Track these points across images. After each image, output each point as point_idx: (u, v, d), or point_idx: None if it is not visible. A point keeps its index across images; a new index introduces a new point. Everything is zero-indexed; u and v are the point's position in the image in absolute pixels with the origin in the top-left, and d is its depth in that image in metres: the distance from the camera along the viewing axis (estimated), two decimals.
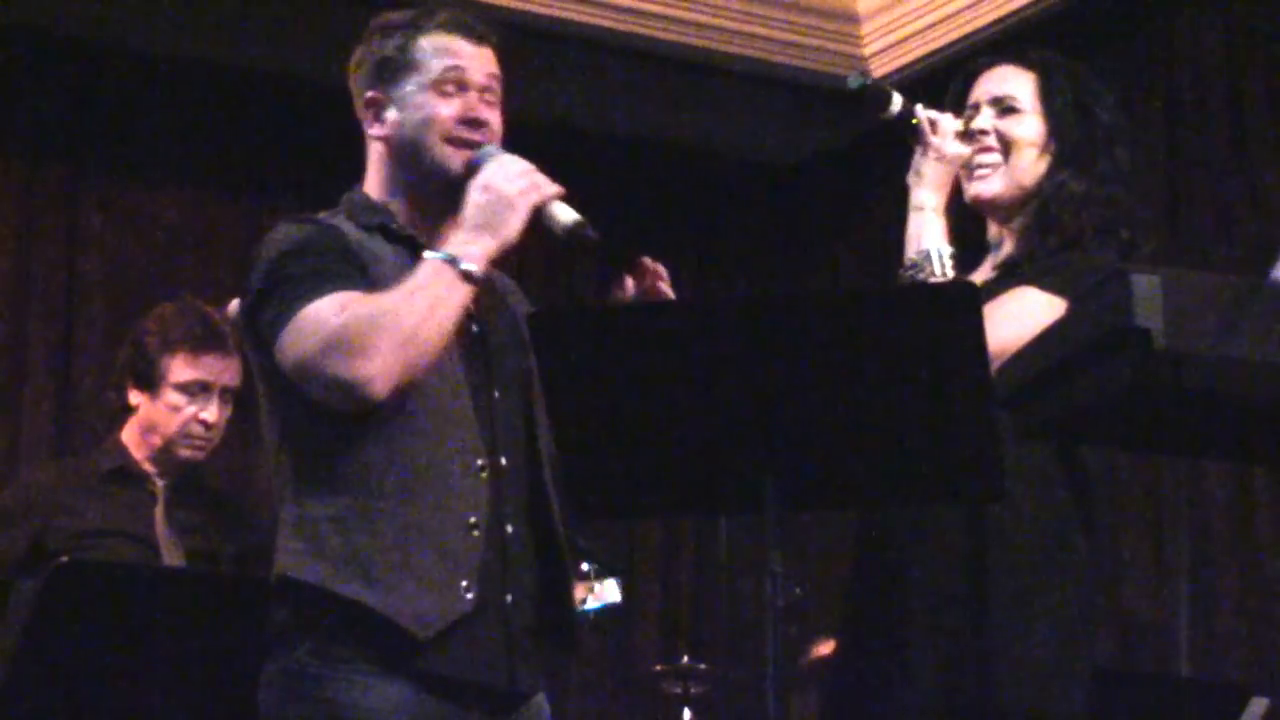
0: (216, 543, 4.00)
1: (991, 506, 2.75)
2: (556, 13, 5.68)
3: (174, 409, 4.00)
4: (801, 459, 2.45)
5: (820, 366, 2.40)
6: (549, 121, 5.69)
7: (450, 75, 2.83)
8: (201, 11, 5.46)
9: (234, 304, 3.76)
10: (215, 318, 4.05)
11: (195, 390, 3.99)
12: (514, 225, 2.72)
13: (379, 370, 2.64)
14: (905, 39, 5.89)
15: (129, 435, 4.06)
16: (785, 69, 6.02)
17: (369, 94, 2.87)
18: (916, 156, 3.00)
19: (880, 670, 2.85)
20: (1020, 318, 2.70)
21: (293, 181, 5.86)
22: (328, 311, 2.67)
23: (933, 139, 2.98)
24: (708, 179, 6.38)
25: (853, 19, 6.10)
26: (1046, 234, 2.91)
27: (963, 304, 2.38)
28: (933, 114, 3.01)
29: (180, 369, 3.98)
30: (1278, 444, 2.26)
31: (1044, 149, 2.96)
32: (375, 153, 2.89)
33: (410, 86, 2.84)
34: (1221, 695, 4.02)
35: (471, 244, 2.71)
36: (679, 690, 5.09)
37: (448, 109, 2.81)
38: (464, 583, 2.68)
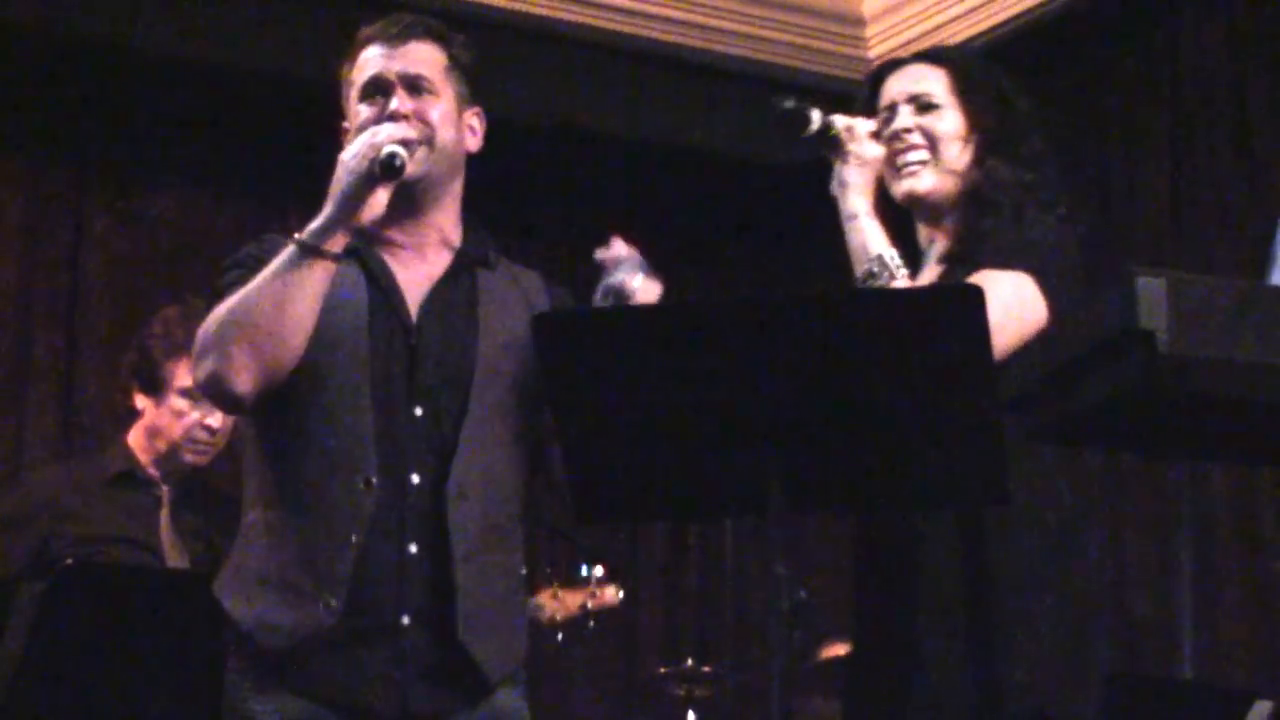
0: (220, 547, 3.99)
1: (993, 508, 2.75)
2: (559, 15, 5.68)
3: (178, 414, 4.00)
4: (805, 461, 2.45)
5: (824, 368, 2.40)
6: (551, 123, 5.69)
7: (369, 86, 2.84)
8: (207, 14, 5.46)
9: None
10: None
11: (198, 396, 3.99)
12: (349, 188, 2.66)
13: (235, 366, 2.65)
14: (910, 42, 5.89)
15: (135, 439, 4.06)
16: (790, 72, 6.03)
17: (344, 124, 2.89)
18: (837, 167, 3.00)
19: (895, 673, 2.85)
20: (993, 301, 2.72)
21: (298, 184, 5.83)
22: (208, 319, 2.71)
23: (852, 145, 2.98)
24: (712, 181, 6.38)
25: (858, 22, 6.10)
26: (982, 218, 2.91)
27: (967, 305, 2.38)
28: (847, 120, 3.01)
29: (185, 374, 3.98)
30: None
31: (967, 141, 2.97)
32: None
33: (353, 106, 2.86)
34: (1225, 699, 4.01)
35: (316, 219, 2.68)
36: (683, 693, 5.09)
37: (369, 113, 2.81)
38: (330, 600, 2.66)
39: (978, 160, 2.96)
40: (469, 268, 2.86)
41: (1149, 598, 5.24)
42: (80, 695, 3.36)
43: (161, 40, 5.53)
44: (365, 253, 2.80)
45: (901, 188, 2.99)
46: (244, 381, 2.66)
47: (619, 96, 6.02)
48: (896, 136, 2.98)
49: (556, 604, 4.72)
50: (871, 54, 6.04)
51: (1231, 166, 5.23)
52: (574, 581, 4.78)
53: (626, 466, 2.52)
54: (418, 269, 2.84)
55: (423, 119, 2.80)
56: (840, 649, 4.62)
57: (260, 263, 2.73)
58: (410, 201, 2.79)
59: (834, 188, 3.01)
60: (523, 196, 5.66)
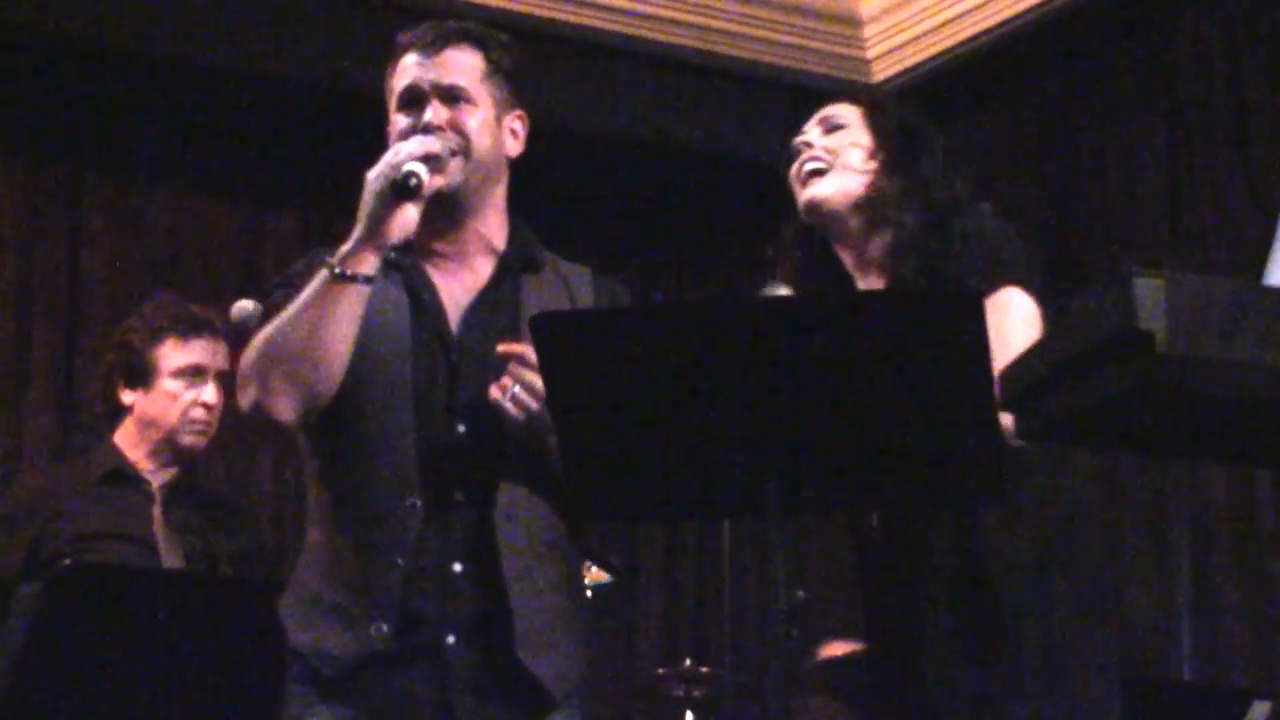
0: (215, 543, 3.99)
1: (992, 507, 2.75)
2: (554, 15, 5.68)
3: (172, 397, 3.99)
4: (804, 461, 2.45)
5: (822, 369, 2.39)
6: (550, 124, 5.68)
7: (404, 96, 2.83)
8: (203, 15, 5.46)
9: (237, 305, 3.78)
10: (197, 307, 4.06)
11: (191, 375, 3.98)
12: (376, 208, 2.65)
13: (275, 396, 2.67)
14: (908, 43, 5.90)
15: (123, 437, 4.04)
16: (788, 72, 6.03)
17: (388, 129, 2.87)
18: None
19: (901, 672, 2.85)
20: (1021, 324, 2.72)
21: (294, 185, 5.87)
22: (250, 349, 2.73)
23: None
24: (710, 182, 6.38)
25: (856, 23, 6.10)
26: (868, 232, 2.92)
27: (965, 307, 2.38)
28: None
29: (172, 355, 3.98)
30: None
31: (871, 154, 2.98)
32: None
33: (393, 113, 2.85)
34: (1224, 699, 4.02)
35: (348, 242, 2.69)
36: (682, 693, 5.09)
37: (404, 123, 2.81)
38: (381, 625, 2.67)
39: (880, 171, 2.95)
40: (513, 274, 2.85)
41: (1147, 598, 5.24)
42: (79, 697, 3.36)
43: (159, 42, 5.53)
44: (409, 266, 2.79)
45: (803, 197, 2.99)
46: (285, 410, 2.67)
47: (615, 97, 6.02)
48: (798, 150, 2.99)
49: None
50: (869, 54, 6.04)
51: (1229, 166, 5.23)
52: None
53: (625, 466, 2.52)
54: (462, 279, 2.83)
55: (458, 129, 2.79)
56: (839, 649, 4.62)
57: (305, 281, 2.73)
58: (450, 211, 2.79)
59: None
60: (518, 198, 5.66)
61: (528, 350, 2.63)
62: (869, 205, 2.95)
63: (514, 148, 2.91)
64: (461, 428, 2.74)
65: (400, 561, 2.68)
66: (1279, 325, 1.92)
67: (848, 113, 3.04)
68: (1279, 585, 4.98)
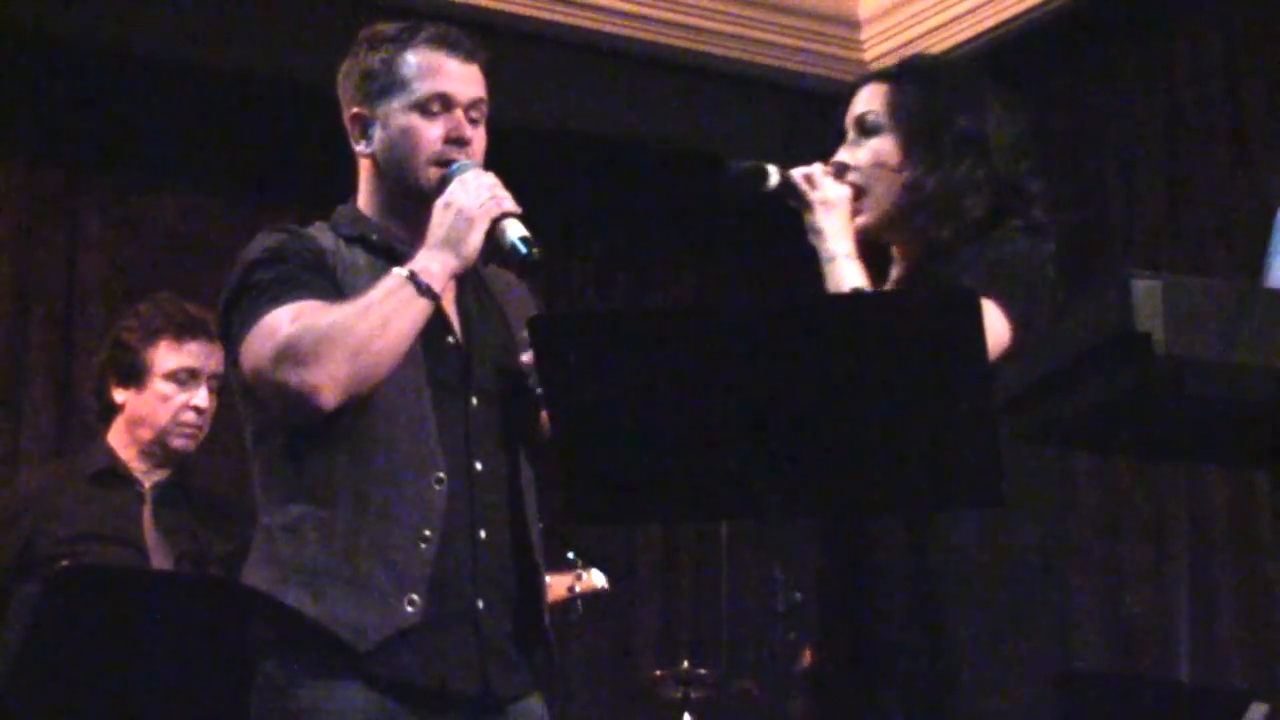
0: (206, 544, 3.98)
1: (938, 533, 2.76)
2: (552, 17, 5.68)
3: (164, 398, 3.98)
4: (801, 464, 2.45)
5: (819, 371, 2.39)
6: (547, 126, 5.69)
7: (435, 95, 2.83)
8: (201, 15, 5.46)
9: None
10: (194, 308, 4.05)
11: (184, 378, 3.98)
12: (473, 242, 2.75)
13: (326, 380, 2.66)
14: (906, 44, 5.89)
15: (115, 436, 4.04)
16: (786, 74, 6.03)
17: (354, 110, 2.88)
18: (807, 218, 2.97)
19: (852, 676, 2.85)
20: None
21: (292, 185, 5.86)
22: (283, 319, 2.71)
23: (814, 193, 2.96)
24: (708, 184, 6.38)
25: (854, 24, 6.10)
26: (934, 230, 2.90)
27: (962, 309, 2.38)
28: (804, 170, 2.99)
29: (166, 357, 3.98)
30: (1278, 449, 2.26)
31: (902, 160, 2.94)
32: (363, 169, 2.91)
33: (395, 105, 2.84)
34: (1222, 700, 4.01)
35: (432, 260, 2.74)
36: (679, 695, 5.09)
37: (433, 130, 2.83)
38: (411, 595, 2.70)
39: (915, 175, 2.92)
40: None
41: (1145, 600, 5.24)
42: (76, 697, 3.36)
43: (157, 43, 5.53)
44: (395, 254, 2.82)
45: (854, 224, 2.99)
46: (331, 398, 2.68)
47: (613, 99, 6.02)
48: (841, 173, 2.98)
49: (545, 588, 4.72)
50: (867, 56, 6.04)
51: (1228, 169, 5.24)
52: (561, 565, 4.78)
53: (623, 468, 2.52)
54: None
55: (478, 147, 2.86)
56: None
57: (299, 262, 2.76)
58: (428, 216, 2.81)
59: (810, 237, 2.98)
60: (518, 199, 5.65)
61: None
62: (905, 219, 2.94)
63: None
64: (475, 401, 2.81)
65: (428, 533, 2.72)
66: (1277, 328, 1.92)
67: (877, 103, 2.98)
68: (1277, 587, 4.98)
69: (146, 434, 3.99)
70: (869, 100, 3.01)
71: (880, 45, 6.01)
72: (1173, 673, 5.06)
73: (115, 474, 4.00)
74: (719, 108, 6.11)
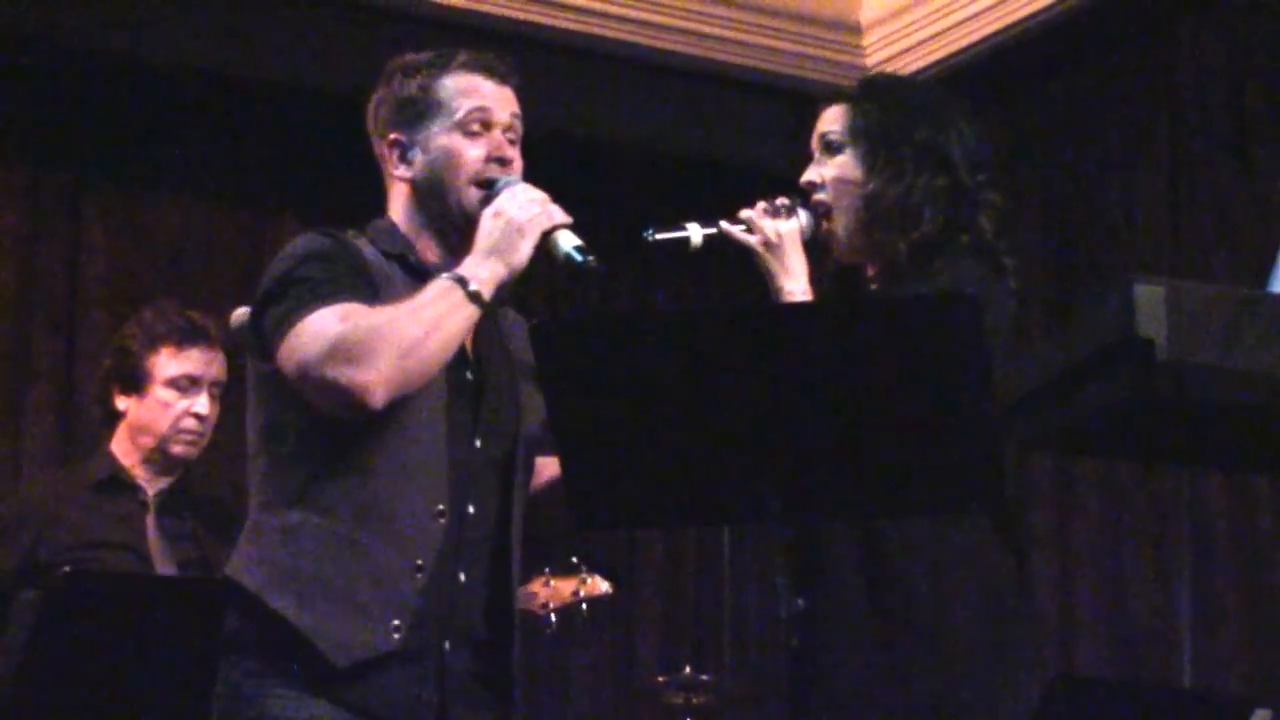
0: (209, 550, 3.99)
1: (890, 535, 2.77)
2: (558, 23, 5.68)
3: (165, 405, 3.99)
4: (804, 469, 2.44)
5: (822, 376, 2.39)
6: (549, 131, 5.68)
7: (476, 115, 2.85)
8: (206, 21, 5.46)
9: (238, 313, 3.78)
10: (196, 315, 4.05)
11: (185, 385, 3.99)
12: (524, 251, 2.75)
13: (377, 379, 2.65)
14: (907, 50, 5.89)
15: (118, 444, 4.05)
16: (788, 79, 6.02)
17: (392, 135, 2.87)
18: (755, 261, 2.99)
19: (810, 686, 2.84)
20: None
21: (296, 192, 5.86)
22: (333, 318, 2.69)
23: (752, 239, 2.98)
24: (710, 189, 6.38)
25: (855, 30, 6.10)
26: (884, 251, 2.93)
27: (963, 314, 2.38)
28: (744, 213, 3.01)
29: (167, 364, 3.98)
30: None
31: (864, 177, 2.96)
32: (399, 193, 2.89)
33: (435, 128, 2.85)
34: (1224, 706, 4.01)
35: (480, 267, 2.73)
36: (682, 701, 5.09)
37: (475, 150, 2.84)
38: (394, 621, 2.69)
39: (876, 190, 2.94)
40: None
41: (1147, 606, 5.24)
42: (78, 704, 3.36)
43: (160, 47, 5.53)
44: (429, 276, 2.81)
45: (824, 240, 3.00)
46: (380, 399, 2.67)
47: (613, 104, 6.02)
48: (803, 191, 3.01)
49: (549, 591, 4.71)
50: (869, 62, 6.04)
51: (1230, 173, 5.24)
52: (565, 569, 4.78)
53: (624, 474, 2.52)
54: None
55: (518, 167, 2.88)
56: None
57: (346, 266, 2.75)
58: (466, 238, 2.82)
59: (764, 276, 3.00)
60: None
61: None
62: (868, 233, 2.96)
63: None
64: (478, 442, 2.80)
65: (421, 563, 2.71)
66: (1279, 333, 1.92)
67: (837, 124, 3.02)
68: (1279, 593, 4.98)
69: (148, 441, 4.00)
70: (831, 120, 3.04)
71: (882, 50, 6.01)
72: (1175, 678, 5.05)
73: (118, 482, 4.01)
74: (722, 113, 6.11)
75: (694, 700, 5.08)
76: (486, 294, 2.73)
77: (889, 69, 5.94)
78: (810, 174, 3.02)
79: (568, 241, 2.79)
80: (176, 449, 4.00)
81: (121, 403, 4.04)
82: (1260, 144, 5.17)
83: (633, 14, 5.79)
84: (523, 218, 2.75)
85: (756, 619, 5.96)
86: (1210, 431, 2.09)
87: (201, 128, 5.77)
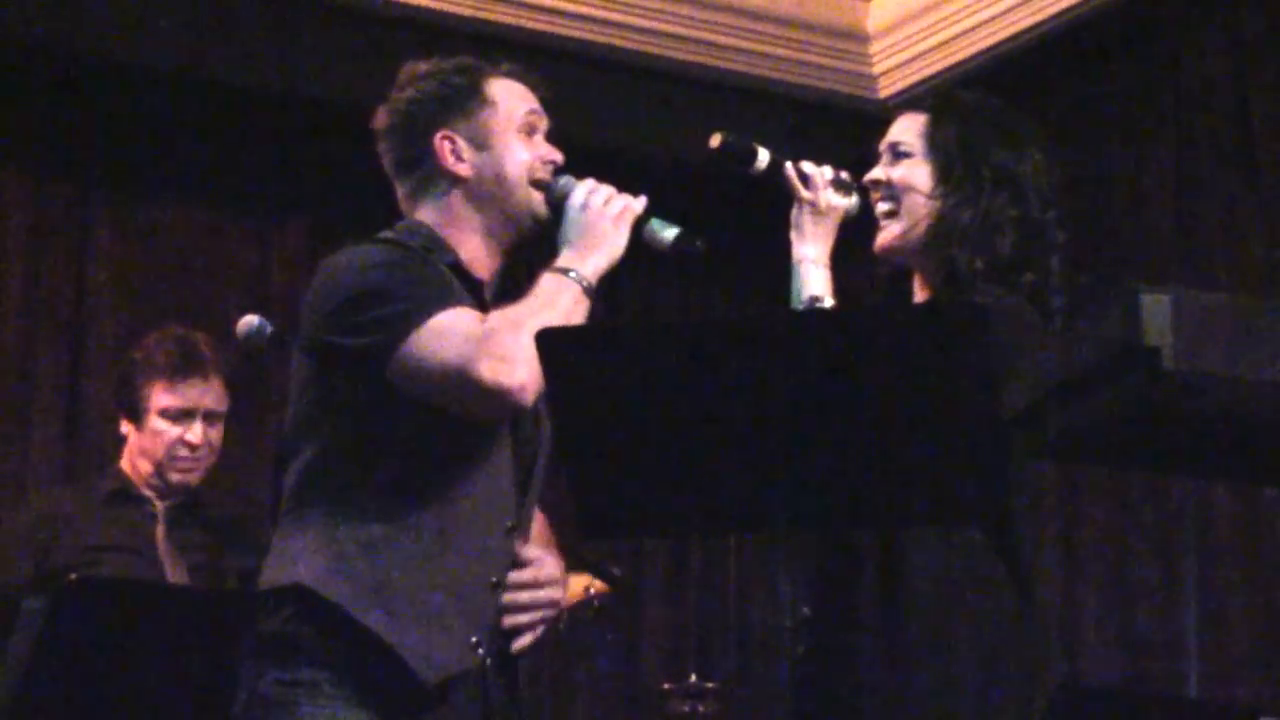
0: (221, 559, 4.04)
1: (895, 544, 2.77)
2: (558, 30, 5.69)
3: (157, 434, 4.08)
4: (809, 478, 2.44)
5: (827, 384, 2.39)
6: (556, 139, 5.69)
7: (531, 119, 2.90)
8: (212, 29, 5.47)
9: (244, 321, 3.81)
10: (197, 344, 4.10)
11: (177, 416, 4.06)
12: (620, 242, 2.79)
13: (528, 379, 2.63)
14: (914, 58, 5.90)
15: (126, 463, 4.15)
16: (794, 88, 6.03)
17: (443, 132, 2.84)
18: (793, 212, 2.98)
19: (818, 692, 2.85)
20: None
21: (302, 200, 5.87)
22: (468, 318, 2.68)
23: (804, 193, 2.96)
24: (714, 196, 6.38)
25: (862, 38, 6.10)
26: (938, 274, 2.91)
27: (969, 324, 2.38)
28: (806, 166, 2.99)
29: (160, 397, 4.07)
30: None
31: (934, 188, 2.93)
32: (442, 191, 2.85)
33: (493, 126, 2.86)
34: (1231, 715, 4.01)
35: (582, 262, 2.75)
36: (687, 709, 5.08)
37: (532, 152, 2.87)
38: (474, 638, 2.69)
39: (942, 212, 2.91)
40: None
41: (1154, 615, 5.23)
42: (84, 710, 3.36)
43: (167, 55, 5.54)
44: (475, 281, 2.81)
45: (876, 243, 2.98)
46: (531, 398, 2.68)
47: (618, 112, 6.02)
48: (869, 189, 2.98)
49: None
50: (876, 70, 6.04)
51: (1236, 182, 5.23)
52: (575, 566, 4.78)
53: (630, 483, 2.52)
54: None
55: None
56: None
57: (433, 271, 2.73)
58: (526, 242, 2.86)
59: (791, 231, 2.99)
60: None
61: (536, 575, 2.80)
62: (934, 246, 2.92)
63: None
64: (528, 457, 2.83)
65: (494, 579, 2.73)
66: None
67: (911, 134, 2.98)
68: None
69: (147, 466, 4.12)
70: (903, 130, 3.00)
71: (889, 59, 6.02)
72: (1181, 688, 5.05)
73: (128, 494, 4.09)
74: (728, 120, 6.09)
75: (699, 708, 5.08)
76: (593, 287, 2.76)
77: (895, 78, 5.95)
78: (877, 173, 2.98)
79: (665, 229, 2.82)
80: (174, 476, 4.09)
81: (124, 427, 4.16)
82: (1266, 153, 5.17)
83: (639, 22, 5.79)
84: (614, 211, 2.80)
85: (761, 627, 5.96)
86: (1216, 441, 2.09)
87: (209, 135, 5.77)
